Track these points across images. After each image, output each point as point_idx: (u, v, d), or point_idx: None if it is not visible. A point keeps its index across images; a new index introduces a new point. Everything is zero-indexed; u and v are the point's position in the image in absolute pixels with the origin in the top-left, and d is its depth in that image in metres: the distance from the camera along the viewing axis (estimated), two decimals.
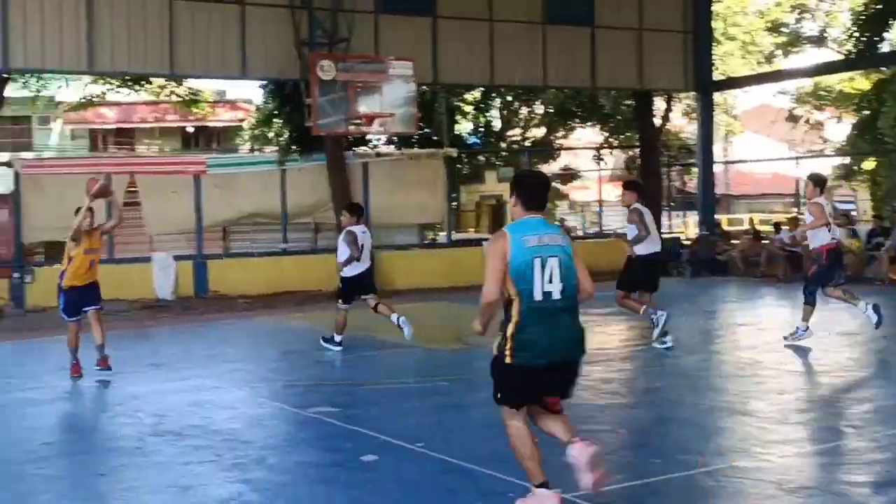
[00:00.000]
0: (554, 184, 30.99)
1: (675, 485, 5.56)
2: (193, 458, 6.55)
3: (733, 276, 19.84)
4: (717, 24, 25.09)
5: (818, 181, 10.66)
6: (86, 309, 9.89)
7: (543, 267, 4.92)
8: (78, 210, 10.16)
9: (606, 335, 12.52)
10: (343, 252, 11.12)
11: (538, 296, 4.92)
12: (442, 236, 22.82)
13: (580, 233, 26.57)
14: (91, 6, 16.06)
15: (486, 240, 22.07)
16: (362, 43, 17.83)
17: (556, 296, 4.94)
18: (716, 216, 23.49)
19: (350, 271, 11.17)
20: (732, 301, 16.40)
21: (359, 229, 11.21)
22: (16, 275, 17.42)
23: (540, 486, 5.05)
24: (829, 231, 10.34)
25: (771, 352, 10.71)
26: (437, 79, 19.43)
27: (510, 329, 5.01)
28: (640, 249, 11.01)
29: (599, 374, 9.37)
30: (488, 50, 19.39)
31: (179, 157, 25.47)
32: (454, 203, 22.96)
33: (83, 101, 21.69)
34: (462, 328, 13.02)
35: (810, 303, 10.38)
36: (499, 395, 5.19)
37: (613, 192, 35.55)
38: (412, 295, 18.72)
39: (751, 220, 22.95)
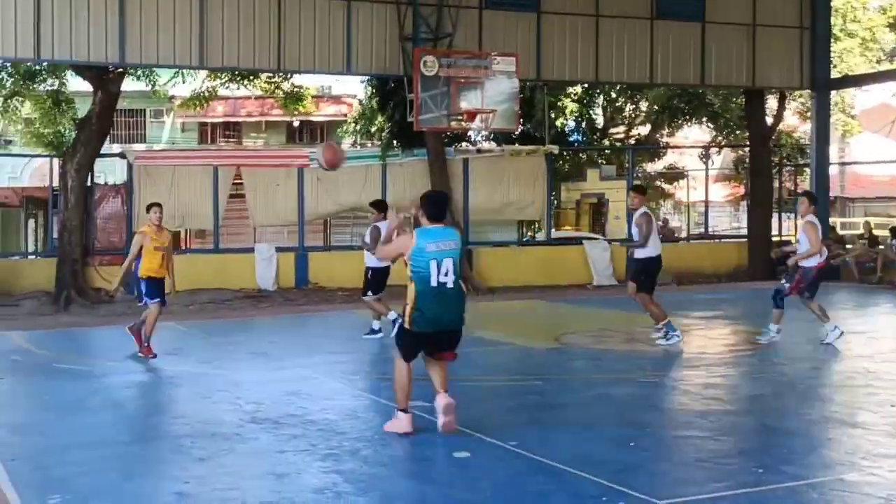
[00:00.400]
0: (657, 183, 30.43)
1: (778, 496, 5.37)
2: (289, 447, 6.64)
3: (846, 282, 19.14)
4: (835, 20, 24.22)
5: None
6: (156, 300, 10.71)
7: (439, 266, 6.71)
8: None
9: (709, 339, 12.23)
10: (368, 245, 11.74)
11: (434, 283, 6.70)
12: (541, 234, 22.68)
13: (684, 234, 25.99)
14: (203, 3, 16.50)
15: (586, 238, 21.92)
16: (466, 38, 17.84)
17: (450, 284, 6.77)
18: (829, 219, 22.70)
19: (375, 263, 11.74)
20: (844, 308, 15.78)
21: (383, 225, 11.31)
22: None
23: (402, 410, 6.98)
24: None
25: (885, 362, 10.30)
26: (540, 75, 19.27)
27: (409, 307, 6.80)
28: (643, 252, 11.34)
29: (701, 380, 9.16)
30: (593, 46, 19.14)
31: (284, 151, 25.99)
32: (554, 201, 22.74)
33: (196, 95, 22.26)
34: (559, 327, 12.93)
35: None
36: (398, 348, 7.07)
37: (720, 192, 34.76)
38: (509, 292, 18.68)
39: (866, 224, 22.02)
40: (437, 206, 7.05)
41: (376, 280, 12.07)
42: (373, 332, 12.17)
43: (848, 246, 20.82)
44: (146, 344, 10.62)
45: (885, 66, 27.00)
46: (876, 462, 6.04)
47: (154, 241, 10.73)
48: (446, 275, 6.73)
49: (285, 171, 19.65)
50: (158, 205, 10.96)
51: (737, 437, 6.91)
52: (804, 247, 10.96)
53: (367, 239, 11.82)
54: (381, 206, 12.23)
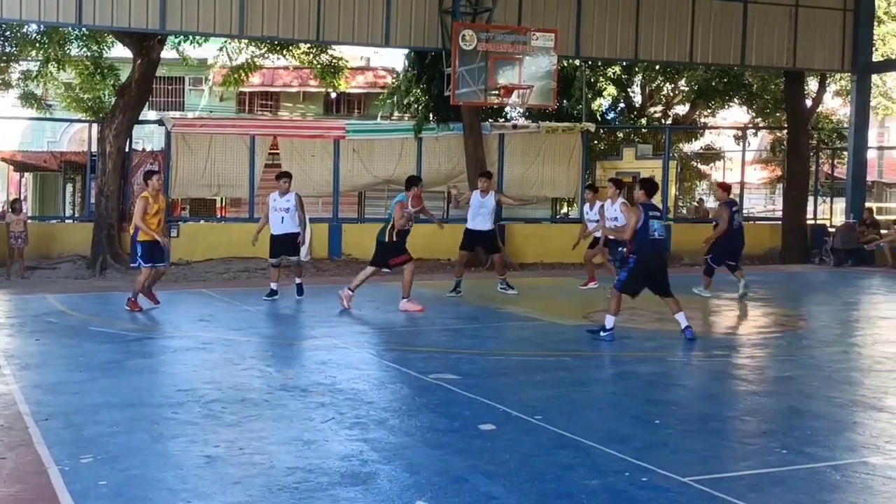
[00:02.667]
0: (693, 163, 30.18)
1: (801, 476, 5.38)
2: (317, 415, 6.74)
3: (880, 266, 18.95)
4: (879, 2, 23.79)
5: None
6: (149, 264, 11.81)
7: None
8: None
9: (739, 320, 12.19)
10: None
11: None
12: (575, 211, 22.60)
13: None
14: None
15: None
16: (505, 13, 17.77)
17: None
18: (866, 204, 22.44)
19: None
20: (877, 293, 15.66)
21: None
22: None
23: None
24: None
25: None
26: (579, 52, 19.18)
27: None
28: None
29: (729, 360, 9.16)
30: (633, 24, 18.99)
31: (320, 122, 26.06)
32: (588, 178, 22.63)
33: (237, 67, 22.40)
34: (589, 305, 12.95)
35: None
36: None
37: (757, 174, 34.40)
38: (541, 269, 18.70)
39: None
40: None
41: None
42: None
43: (883, 231, 20.58)
44: (132, 298, 11.76)
45: None
46: None
47: (154, 206, 11.59)
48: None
49: (321, 142, 19.75)
50: (158, 172, 12.57)
51: (762, 418, 6.92)
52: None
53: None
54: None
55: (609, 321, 9.80)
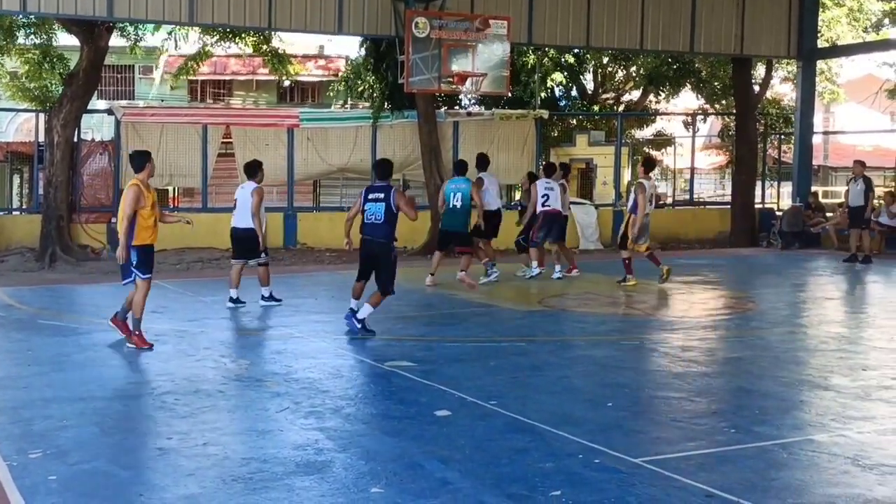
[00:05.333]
0: (646, 149, 30.45)
1: (749, 455, 5.49)
2: (272, 405, 6.73)
3: (826, 249, 19.33)
4: None
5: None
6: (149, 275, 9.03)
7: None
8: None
9: (690, 303, 12.37)
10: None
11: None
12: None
13: (670, 200, 26.07)
14: None
15: (574, 203, 22.05)
16: (458, 1, 17.74)
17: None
18: (812, 188, 22.84)
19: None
20: (822, 274, 15.98)
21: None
22: (114, 220, 18.01)
23: None
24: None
25: (858, 327, 10.47)
26: (531, 39, 19.22)
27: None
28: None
29: (680, 342, 9.30)
30: (585, 11, 19.07)
31: (274, 110, 25.88)
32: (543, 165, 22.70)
33: (191, 57, 22.14)
34: (544, 291, 13.05)
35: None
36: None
37: (707, 160, 34.82)
38: (495, 256, 18.74)
39: (847, 193, 22.15)
40: (380, 168, 9.93)
41: None
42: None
43: (828, 214, 20.99)
44: (137, 332, 8.89)
45: (872, 37, 26.95)
46: (846, 424, 6.18)
47: (148, 198, 8.83)
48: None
49: (275, 130, 19.62)
50: (149, 154, 9.21)
51: (711, 398, 7.05)
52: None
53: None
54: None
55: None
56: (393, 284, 9.57)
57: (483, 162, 14.62)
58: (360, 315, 9.43)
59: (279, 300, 11.65)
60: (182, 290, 13.22)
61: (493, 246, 14.59)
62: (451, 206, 13.25)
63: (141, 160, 8.99)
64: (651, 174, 14.12)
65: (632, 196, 13.64)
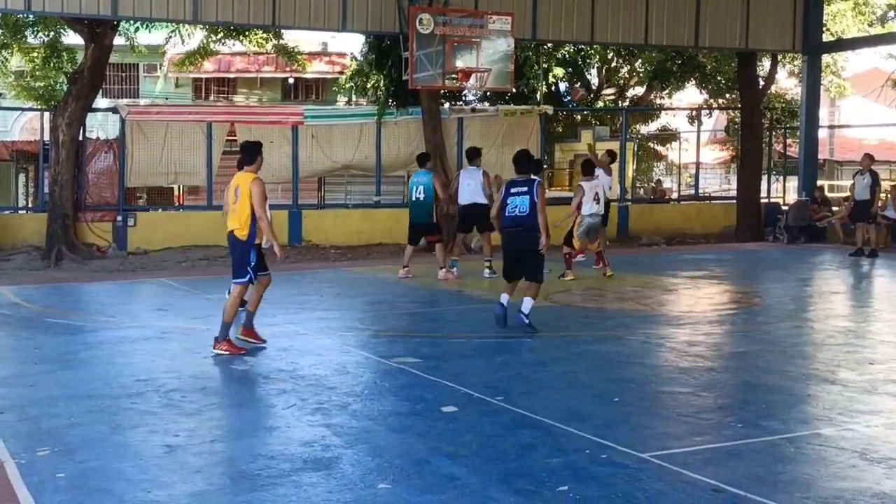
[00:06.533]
0: (650, 144, 30.43)
1: (756, 449, 5.48)
2: (279, 402, 6.74)
3: (832, 243, 19.29)
4: None
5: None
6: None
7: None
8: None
9: (695, 298, 12.35)
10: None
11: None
12: None
13: (675, 195, 26.05)
14: None
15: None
16: None
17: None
18: (818, 182, 22.78)
19: None
20: (828, 268, 15.95)
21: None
22: (119, 218, 18.07)
23: None
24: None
25: (865, 321, 10.45)
26: (535, 35, 19.18)
27: None
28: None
29: (686, 337, 9.29)
30: (589, 6, 19.02)
31: (278, 108, 25.87)
32: (547, 161, 22.72)
33: (192, 52, 22.17)
34: (550, 286, 13.03)
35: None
36: None
37: (712, 154, 34.74)
38: (501, 251, 18.72)
39: (853, 187, 22.09)
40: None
41: None
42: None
43: (834, 208, 20.95)
44: (222, 337, 8.41)
45: (877, 30, 26.86)
46: (853, 417, 6.17)
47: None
48: None
49: (280, 128, 19.63)
50: (260, 144, 8.78)
51: (718, 393, 7.04)
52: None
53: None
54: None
55: None
56: (542, 272, 9.67)
57: (469, 155, 14.71)
58: (524, 310, 9.47)
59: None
60: (188, 288, 13.24)
61: (491, 241, 14.36)
62: (414, 199, 13.83)
63: (253, 151, 8.56)
64: (594, 174, 13.73)
65: (574, 199, 13.62)
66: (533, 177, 9.77)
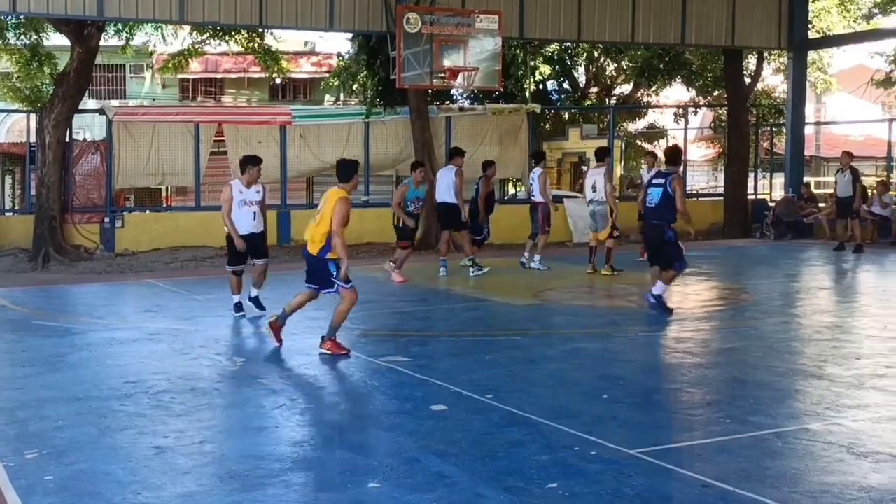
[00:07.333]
0: (638, 142, 30.50)
1: (744, 444, 5.51)
2: (268, 402, 6.74)
3: (819, 239, 19.38)
4: None
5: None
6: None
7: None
8: None
9: (683, 295, 12.38)
10: None
11: None
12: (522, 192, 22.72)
13: None
14: None
15: (567, 196, 22.10)
16: None
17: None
18: (805, 178, 22.87)
19: None
20: (815, 264, 16.02)
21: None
22: (107, 219, 18.01)
23: None
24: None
25: (852, 316, 10.50)
26: (523, 33, 19.21)
27: None
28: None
29: (674, 334, 9.33)
30: (576, 5, 19.06)
31: (266, 108, 25.84)
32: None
33: (178, 53, 22.11)
34: (539, 284, 13.06)
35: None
36: None
37: (700, 152, 34.86)
38: (491, 249, 18.75)
39: (835, 185, 22.20)
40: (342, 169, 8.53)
41: None
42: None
43: (821, 204, 21.05)
44: (333, 338, 8.44)
45: (863, 27, 26.99)
46: (840, 412, 6.21)
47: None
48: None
49: (267, 128, 19.60)
50: (357, 163, 8.82)
51: (706, 389, 7.07)
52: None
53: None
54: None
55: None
56: (677, 260, 10.14)
57: (449, 154, 14.87)
58: (654, 291, 10.03)
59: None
60: (176, 289, 13.21)
61: (468, 240, 14.34)
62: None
63: (347, 170, 8.55)
64: (605, 161, 14.40)
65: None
66: (671, 169, 10.26)
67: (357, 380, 7.63)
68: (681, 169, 12.64)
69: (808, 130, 26.13)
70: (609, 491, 4.77)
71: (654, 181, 10.27)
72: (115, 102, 29.75)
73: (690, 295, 12.38)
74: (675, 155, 10.54)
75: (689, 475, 4.97)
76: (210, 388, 7.15)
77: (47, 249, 16.77)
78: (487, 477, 5.01)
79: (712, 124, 29.83)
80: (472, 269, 13.84)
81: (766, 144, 26.51)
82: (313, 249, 8.41)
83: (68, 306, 12.49)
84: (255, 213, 10.41)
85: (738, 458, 5.27)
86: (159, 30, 21.14)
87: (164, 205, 25.51)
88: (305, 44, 35.43)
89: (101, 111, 19.65)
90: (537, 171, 14.64)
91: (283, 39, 22.68)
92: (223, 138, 19.56)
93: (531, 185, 14.73)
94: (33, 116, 18.68)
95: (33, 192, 18.00)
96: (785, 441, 5.61)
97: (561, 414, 6.19)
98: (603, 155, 14.50)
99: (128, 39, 20.45)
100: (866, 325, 9.78)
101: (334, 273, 8.32)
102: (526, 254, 14.71)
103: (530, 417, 6.14)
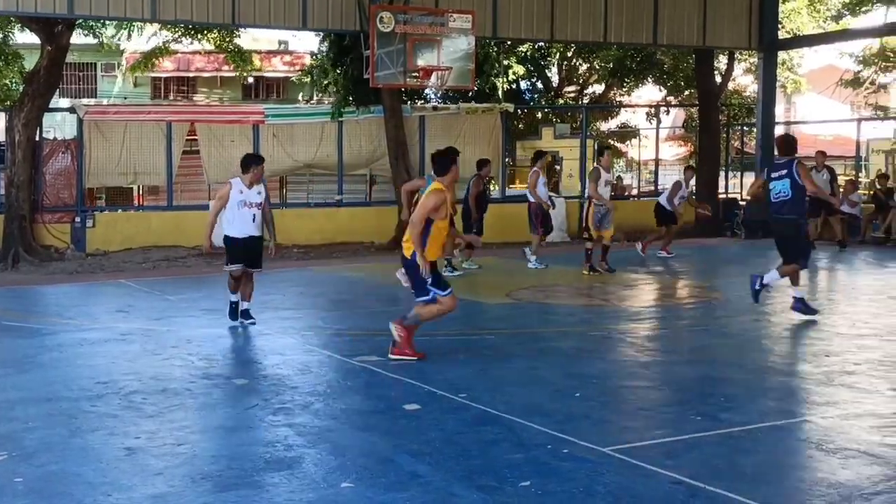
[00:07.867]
0: (611, 141, 30.66)
1: (713, 442, 5.56)
2: (241, 402, 6.72)
3: None
4: None
5: None
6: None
7: None
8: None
9: (655, 293, 12.48)
10: None
11: None
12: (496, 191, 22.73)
13: (635, 191, 26.28)
14: None
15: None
16: None
17: None
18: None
19: None
20: None
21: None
22: (77, 219, 17.85)
23: None
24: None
25: (821, 314, 10.59)
26: (496, 33, 19.23)
27: None
28: None
29: (646, 332, 9.39)
30: (549, 5, 19.11)
31: (239, 107, 25.74)
32: (508, 158, 22.79)
33: (150, 52, 21.98)
34: (512, 283, 13.09)
35: None
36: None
37: (671, 151, 35.06)
38: (463, 249, 18.77)
39: None
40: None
41: None
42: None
43: None
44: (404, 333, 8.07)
45: (832, 27, 27.29)
46: (810, 409, 6.28)
47: (449, 209, 7.88)
48: None
49: (240, 127, 19.50)
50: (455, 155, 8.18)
51: (678, 387, 7.12)
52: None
53: None
54: None
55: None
56: (802, 258, 9.72)
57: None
58: (766, 279, 9.84)
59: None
60: (148, 289, 13.12)
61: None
62: None
63: (444, 162, 7.99)
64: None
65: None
66: (789, 159, 9.62)
67: (330, 379, 7.61)
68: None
69: (779, 130, 26.34)
70: (581, 489, 4.80)
71: (774, 174, 9.52)
72: (86, 101, 29.49)
73: (662, 293, 12.46)
74: (788, 144, 9.91)
75: (661, 472, 5.01)
76: (182, 389, 7.11)
77: (17, 249, 16.60)
78: (461, 476, 5.02)
79: (684, 123, 30.03)
80: (447, 269, 13.85)
81: (736, 144, 26.73)
82: (407, 252, 7.86)
83: (38, 307, 12.38)
84: (254, 215, 9.83)
85: (709, 454, 5.32)
86: (126, 27, 20.98)
87: (136, 204, 25.29)
88: (279, 43, 35.30)
89: (71, 110, 19.47)
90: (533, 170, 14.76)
91: (257, 38, 22.58)
92: (196, 137, 19.45)
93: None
94: (2, 115, 18.50)
95: (2, 191, 17.79)
96: (755, 438, 5.66)
97: (534, 412, 6.21)
98: (537, 158, 14.90)
99: (96, 37, 20.27)
100: (836, 322, 9.88)
101: (429, 279, 7.76)
102: (526, 250, 14.95)
103: (503, 416, 6.16)
